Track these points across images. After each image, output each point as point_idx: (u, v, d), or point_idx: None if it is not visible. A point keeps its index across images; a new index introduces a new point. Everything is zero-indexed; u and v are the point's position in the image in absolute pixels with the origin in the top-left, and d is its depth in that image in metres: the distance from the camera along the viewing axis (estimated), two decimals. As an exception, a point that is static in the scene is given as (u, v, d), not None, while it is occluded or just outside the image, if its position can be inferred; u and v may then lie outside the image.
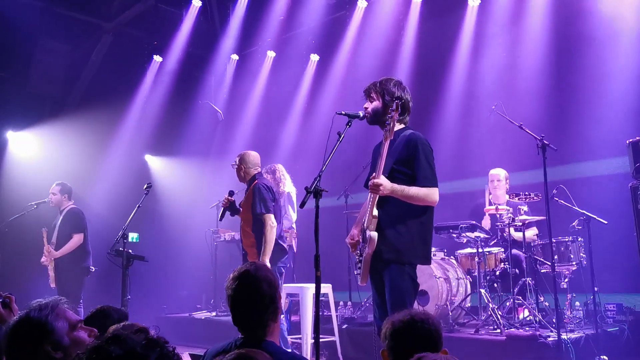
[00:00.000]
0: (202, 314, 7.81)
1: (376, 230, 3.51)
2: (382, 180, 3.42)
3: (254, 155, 5.64)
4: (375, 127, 3.76)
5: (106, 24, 8.99)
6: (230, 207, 5.52)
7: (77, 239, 6.83)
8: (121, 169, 8.81)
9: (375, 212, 3.52)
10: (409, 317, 2.19)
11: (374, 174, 3.49)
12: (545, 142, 5.07)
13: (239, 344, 2.35)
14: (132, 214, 5.68)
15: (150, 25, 9.04)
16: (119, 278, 5.31)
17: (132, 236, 6.42)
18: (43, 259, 6.83)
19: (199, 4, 8.71)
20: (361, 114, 3.73)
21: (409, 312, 2.24)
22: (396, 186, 3.44)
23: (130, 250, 5.28)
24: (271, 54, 9.44)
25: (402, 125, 3.73)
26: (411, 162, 3.53)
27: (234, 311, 2.42)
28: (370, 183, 3.45)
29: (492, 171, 6.33)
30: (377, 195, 3.48)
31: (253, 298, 2.37)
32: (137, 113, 9.43)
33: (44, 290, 6.83)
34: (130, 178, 8.55)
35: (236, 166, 5.62)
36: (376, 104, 3.71)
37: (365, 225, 3.58)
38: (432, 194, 3.49)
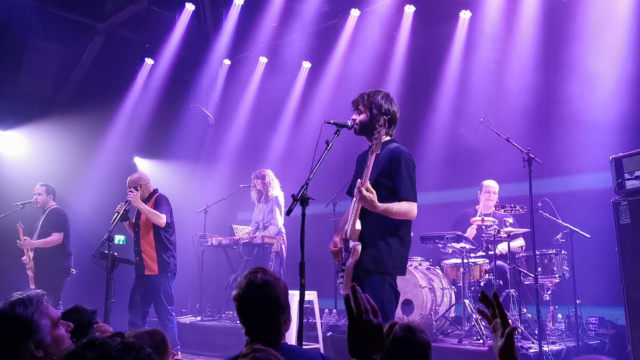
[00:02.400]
0: (187, 319, 7.78)
1: (359, 241, 3.56)
2: (368, 192, 3.45)
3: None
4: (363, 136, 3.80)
5: (98, 25, 8.98)
6: (123, 215, 5.78)
7: (56, 237, 6.81)
8: (109, 171, 8.77)
9: (359, 224, 3.57)
10: (405, 327, 2.23)
11: (359, 180, 3.52)
12: (531, 155, 5.15)
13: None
14: (119, 215, 5.67)
15: (143, 28, 9.04)
16: (103, 281, 5.30)
17: (119, 239, 6.42)
18: (24, 257, 6.79)
19: (192, 7, 8.72)
20: (349, 123, 3.77)
21: (406, 325, 2.27)
22: (380, 205, 3.46)
23: (115, 253, 5.26)
24: (263, 59, 9.47)
25: (388, 138, 3.78)
26: (393, 176, 3.59)
27: (247, 316, 2.35)
28: (357, 188, 3.47)
29: (488, 183, 6.40)
30: (360, 206, 3.52)
31: (273, 305, 2.33)
32: (127, 115, 9.41)
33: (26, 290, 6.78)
34: (119, 180, 8.48)
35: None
36: (363, 116, 3.76)
37: (348, 235, 3.62)
38: (412, 209, 3.55)
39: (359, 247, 3.53)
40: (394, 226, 3.61)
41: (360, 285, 3.62)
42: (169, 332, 5.94)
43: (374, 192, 3.45)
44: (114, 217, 5.65)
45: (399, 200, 3.53)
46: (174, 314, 6.01)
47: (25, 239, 6.73)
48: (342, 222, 3.97)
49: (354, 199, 3.62)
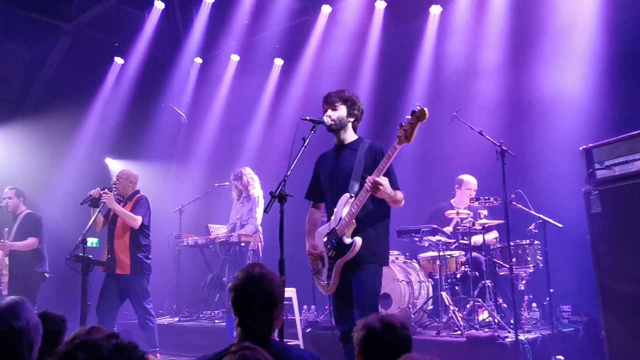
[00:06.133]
0: (164, 320, 7.71)
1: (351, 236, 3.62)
2: (384, 180, 3.49)
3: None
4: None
5: (65, 25, 8.79)
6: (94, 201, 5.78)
7: (32, 241, 6.72)
8: (80, 173, 8.60)
9: (354, 221, 3.61)
10: (386, 322, 2.24)
11: (374, 173, 3.51)
12: (504, 148, 5.22)
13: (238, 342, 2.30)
14: (92, 219, 5.61)
15: (111, 27, 8.88)
16: (77, 284, 5.21)
17: (92, 241, 6.34)
18: None
19: (162, 5, 8.61)
20: (326, 120, 3.80)
21: (382, 317, 2.29)
22: (392, 191, 3.57)
23: (90, 256, 5.19)
24: (235, 57, 9.42)
25: (356, 136, 3.92)
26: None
27: (245, 313, 2.37)
28: (370, 182, 3.47)
29: (468, 179, 6.47)
30: (362, 203, 3.55)
31: (267, 299, 2.37)
32: (97, 116, 9.25)
33: (-1, 298, 6.66)
34: (90, 182, 8.26)
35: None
36: (341, 112, 3.83)
37: (339, 233, 3.65)
38: (403, 197, 3.69)
39: (360, 242, 3.57)
40: (383, 217, 3.76)
41: (349, 279, 3.65)
42: (149, 331, 5.91)
43: (386, 178, 3.52)
44: (84, 199, 5.74)
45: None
46: (153, 313, 5.99)
47: (4, 242, 6.61)
48: (310, 224, 4.01)
49: (343, 197, 3.67)
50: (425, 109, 3.31)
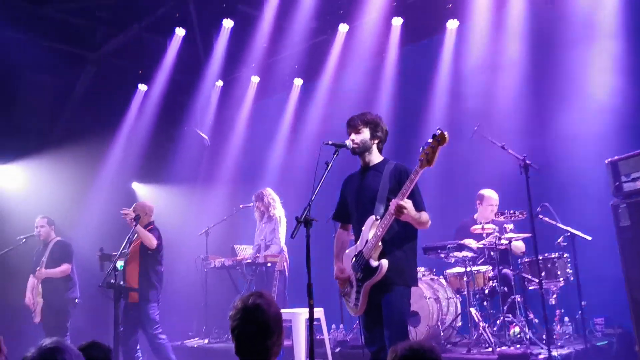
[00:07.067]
0: (194, 342, 7.77)
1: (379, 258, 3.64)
2: (408, 203, 3.52)
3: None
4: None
5: (90, 54, 9.02)
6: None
7: (66, 267, 6.91)
8: (108, 199, 8.74)
9: (380, 243, 3.63)
10: (416, 347, 2.27)
11: (398, 197, 3.53)
12: (527, 161, 5.20)
13: None
14: (123, 246, 5.71)
15: (135, 55, 9.09)
16: (108, 309, 5.31)
17: (118, 264, 6.46)
18: (28, 298, 6.81)
19: (183, 32, 8.77)
20: (348, 143, 3.85)
21: (411, 345, 2.31)
22: (416, 213, 3.59)
23: (122, 282, 5.30)
24: (255, 79, 9.53)
25: (381, 157, 3.95)
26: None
27: (241, 342, 2.46)
28: (394, 205, 3.51)
29: (489, 194, 6.42)
30: (388, 225, 3.58)
31: (262, 330, 2.43)
32: (123, 142, 9.42)
33: (31, 327, 6.80)
34: (117, 207, 8.45)
35: None
36: (364, 135, 3.87)
37: (366, 254, 3.67)
38: (429, 218, 3.72)
39: (386, 264, 3.60)
40: (410, 238, 3.78)
41: (377, 301, 3.67)
42: (162, 352, 6.15)
43: (410, 201, 3.54)
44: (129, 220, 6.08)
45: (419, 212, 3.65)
46: (161, 336, 6.18)
47: (40, 270, 6.80)
48: (338, 246, 4.03)
49: (369, 220, 3.70)
50: (446, 132, 3.34)
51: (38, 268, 6.83)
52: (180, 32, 8.75)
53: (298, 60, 8.90)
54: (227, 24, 8.50)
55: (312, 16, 8.04)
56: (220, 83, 9.75)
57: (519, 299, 5.72)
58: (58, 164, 8.50)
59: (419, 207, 3.66)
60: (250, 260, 7.28)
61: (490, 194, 6.44)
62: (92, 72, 9.10)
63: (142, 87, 9.39)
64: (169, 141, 9.90)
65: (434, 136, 3.37)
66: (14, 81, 8.57)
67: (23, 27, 8.06)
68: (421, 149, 3.42)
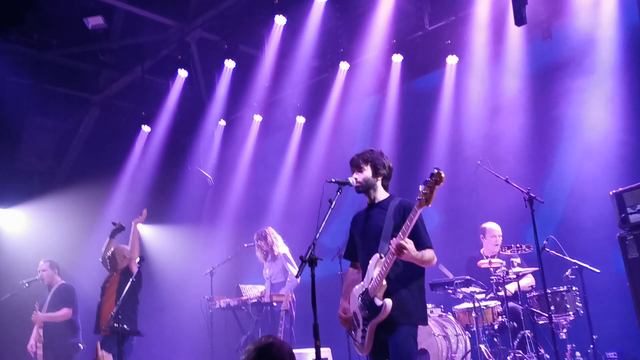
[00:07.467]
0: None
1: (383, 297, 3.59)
2: (409, 243, 3.48)
3: None
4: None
5: (94, 97, 9.14)
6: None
7: (66, 312, 6.78)
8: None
9: (384, 281, 3.59)
10: None
11: (398, 235, 3.50)
12: (531, 194, 5.18)
13: None
14: (126, 289, 5.64)
15: (138, 96, 9.19)
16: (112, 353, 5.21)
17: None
18: (30, 344, 6.71)
19: (185, 74, 8.88)
20: (351, 181, 3.84)
21: None
22: (418, 253, 3.54)
23: (125, 326, 5.23)
24: (258, 118, 9.59)
25: (387, 194, 3.92)
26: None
27: None
28: (394, 245, 3.48)
29: (491, 226, 6.40)
30: (391, 264, 3.54)
31: None
32: (127, 183, 9.45)
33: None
34: (122, 249, 8.48)
35: None
36: (367, 173, 3.86)
37: (371, 293, 3.63)
38: (434, 256, 3.68)
39: (390, 304, 3.56)
40: (416, 276, 3.72)
41: (379, 340, 3.61)
42: None
43: (410, 241, 3.50)
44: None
45: (423, 249, 3.61)
46: None
47: (37, 313, 6.68)
48: (346, 285, 3.99)
49: (374, 258, 3.67)
50: (442, 172, 3.34)
51: (34, 312, 6.72)
52: (182, 73, 8.86)
53: (300, 99, 8.98)
54: (229, 64, 8.60)
55: (313, 55, 8.14)
56: (223, 123, 9.80)
57: (529, 334, 5.62)
58: (62, 206, 8.52)
59: (424, 243, 3.63)
60: (255, 300, 7.20)
61: (492, 226, 6.40)
62: (96, 115, 9.22)
63: (146, 129, 9.46)
64: (173, 181, 9.91)
65: (431, 175, 3.36)
66: (18, 124, 8.65)
67: (27, 71, 8.19)
68: (420, 187, 3.41)
